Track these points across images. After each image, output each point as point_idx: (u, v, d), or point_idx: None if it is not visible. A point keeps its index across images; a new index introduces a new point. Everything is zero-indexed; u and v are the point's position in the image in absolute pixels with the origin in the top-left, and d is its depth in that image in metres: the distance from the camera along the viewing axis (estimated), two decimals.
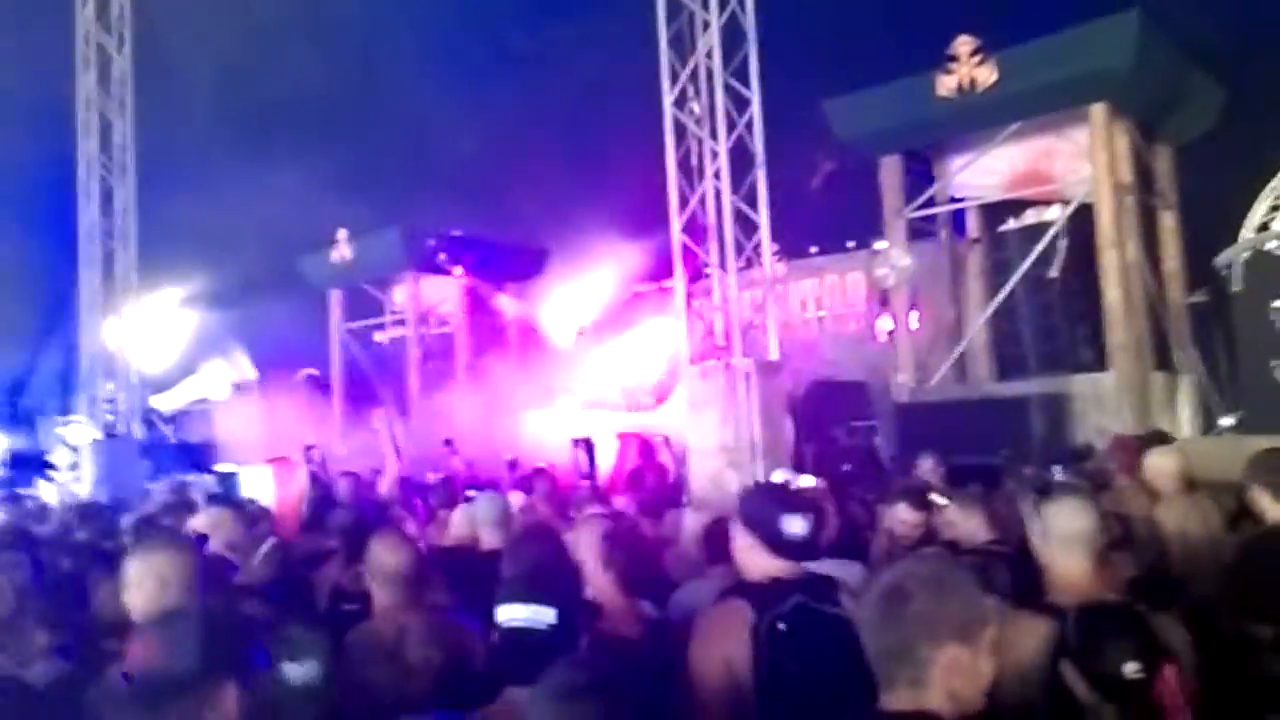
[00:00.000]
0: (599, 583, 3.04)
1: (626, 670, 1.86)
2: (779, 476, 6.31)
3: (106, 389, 14.01)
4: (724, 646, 2.55)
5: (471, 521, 4.38)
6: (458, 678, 2.75)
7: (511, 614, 2.05)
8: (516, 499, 6.14)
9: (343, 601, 3.79)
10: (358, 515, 5.69)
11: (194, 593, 2.84)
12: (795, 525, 2.67)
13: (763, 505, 2.80)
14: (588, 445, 12.24)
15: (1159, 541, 4.03)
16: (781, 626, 2.52)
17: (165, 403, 22.03)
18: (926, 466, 7.04)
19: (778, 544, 2.67)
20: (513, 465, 10.78)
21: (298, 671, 2.48)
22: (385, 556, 3.03)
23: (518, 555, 3.28)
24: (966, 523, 4.08)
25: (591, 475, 9.43)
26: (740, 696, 2.51)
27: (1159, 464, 4.72)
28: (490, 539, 4.23)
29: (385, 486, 7.67)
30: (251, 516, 5.26)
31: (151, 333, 16.27)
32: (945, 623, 1.73)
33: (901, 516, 4.24)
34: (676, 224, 9.38)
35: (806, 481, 5.44)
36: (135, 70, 14.28)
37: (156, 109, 14.76)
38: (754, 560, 2.72)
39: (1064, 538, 2.70)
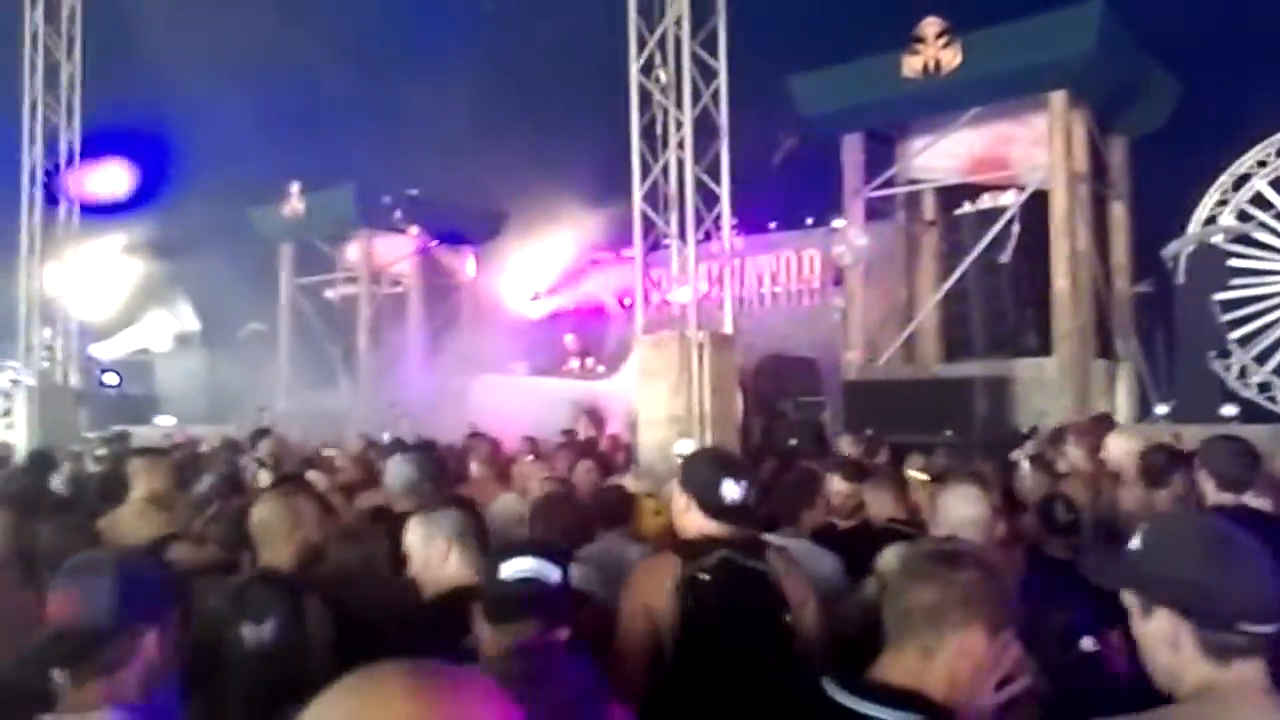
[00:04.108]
0: None
1: None
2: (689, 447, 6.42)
3: (44, 335, 13.61)
4: (647, 595, 2.63)
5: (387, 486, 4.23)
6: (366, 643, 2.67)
7: (520, 566, 2.08)
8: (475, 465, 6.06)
9: None
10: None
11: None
12: (733, 490, 2.68)
13: (703, 469, 2.80)
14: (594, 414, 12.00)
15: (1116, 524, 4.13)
16: (704, 577, 2.60)
17: (105, 352, 21.52)
18: (846, 442, 7.26)
19: (716, 507, 2.68)
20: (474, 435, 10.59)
21: (254, 633, 2.43)
22: (256, 515, 2.93)
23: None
24: (877, 501, 4.19)
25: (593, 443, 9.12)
26: (659, 643, 2.59)
27: (1122, 447, 4.79)
28: (403, 504, 3.97)
29: None
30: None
31: (92, 279, 15.81)
32: (985, 603, 1.67)
33: (835, 488, 4.30)
34: (638, 192, 9.31)
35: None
36: (84, 9, 13.77)
37: (105, 49, 14.26)
38: (691, 521, 2.74)
39: (953, 523, 2.81)
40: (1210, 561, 1.44)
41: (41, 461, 6.83)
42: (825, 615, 2.74)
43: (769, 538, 3.04)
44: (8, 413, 13.12)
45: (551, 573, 2.10)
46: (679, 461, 6.34)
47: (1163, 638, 1.45)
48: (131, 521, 4.22)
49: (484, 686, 0.95)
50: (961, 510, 2.90)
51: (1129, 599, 1.52)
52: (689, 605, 2.58)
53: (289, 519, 2.89)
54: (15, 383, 13.50)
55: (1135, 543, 1.55)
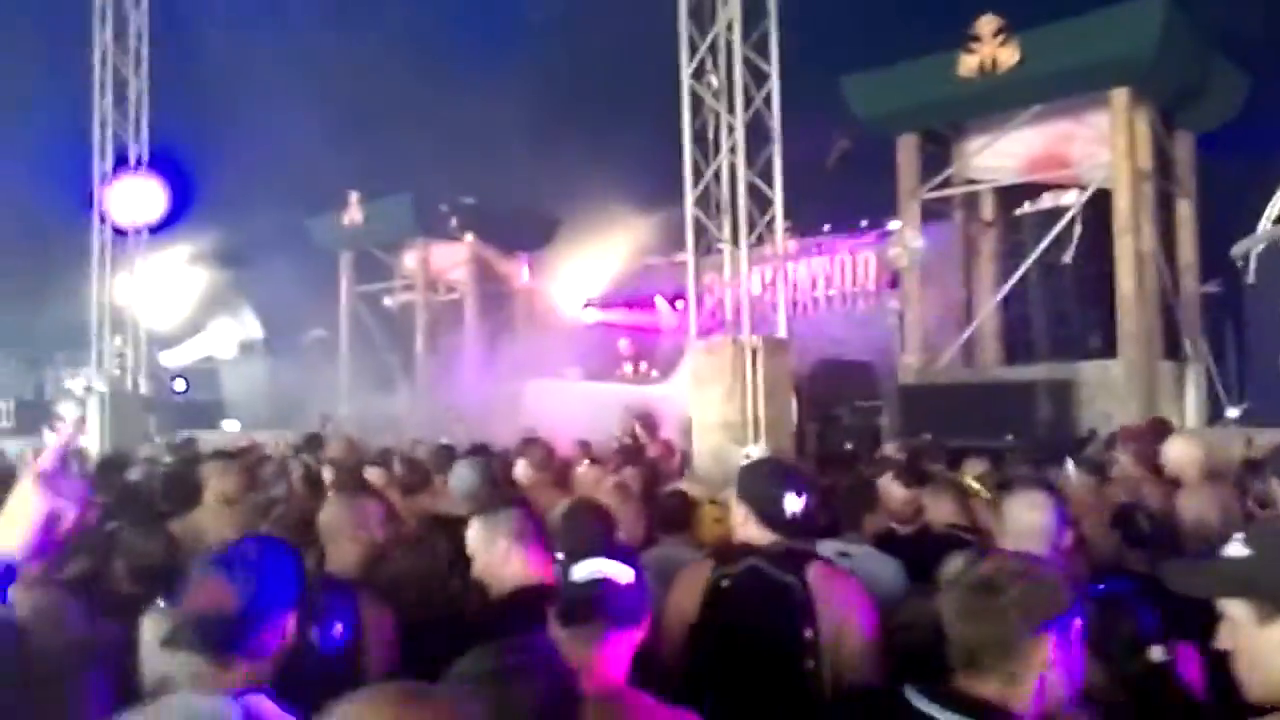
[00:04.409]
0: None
1: None
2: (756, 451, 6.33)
3: (115, 343, 14.06)
4: (681, 600, 2.72)
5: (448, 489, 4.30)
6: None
7: (592, 567, 2.12)
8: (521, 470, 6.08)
9: None
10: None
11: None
12: (795, 504, 2.70)
13: (764, 481, 2.82)
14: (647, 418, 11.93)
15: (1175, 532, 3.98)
16: (725, 583, 2.65)
17: (173, 359, 22.13)
18: (892, 449, 7.21)
19: (775, 520, 2.70)
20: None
21: (318, 637, 2.47)
22: (324, 515, 3.05)
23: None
24: (936, 506, 4.10)
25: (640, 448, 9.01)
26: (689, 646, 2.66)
27: (1182, 452, 4.64)
28: (461, 507, 4.06)
29: None
30: None
31: (160, 289, 16.28)
32: (1040, 610, 1.70)
33: (895, 493, 4.14)
34: (690, 197, 9.31)
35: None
36: (151, 26, 14.20)
37: (171, 65, 14.69)
38: (748, 532, 2.76)
39: (1018, 531, 2.81)
40: None
41: (118, 465, 7.03)
42: (879, 627, 2.66)
43: (830, 544, 3.02)
44: (81, 418, 13.56)
45: (624, 574, 2.12)
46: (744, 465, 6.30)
47: None
48: (209, 522, 4.36)
49: (461, 699, 1.23)
50: (1027, 517, 2.88)
51: (1236, 608, 1.47)
52: (707, 611, 2.64)
53: (353, 519, 3.00)
54: (88, 389, 13.97)
55: (1240, 549, 1.49)
